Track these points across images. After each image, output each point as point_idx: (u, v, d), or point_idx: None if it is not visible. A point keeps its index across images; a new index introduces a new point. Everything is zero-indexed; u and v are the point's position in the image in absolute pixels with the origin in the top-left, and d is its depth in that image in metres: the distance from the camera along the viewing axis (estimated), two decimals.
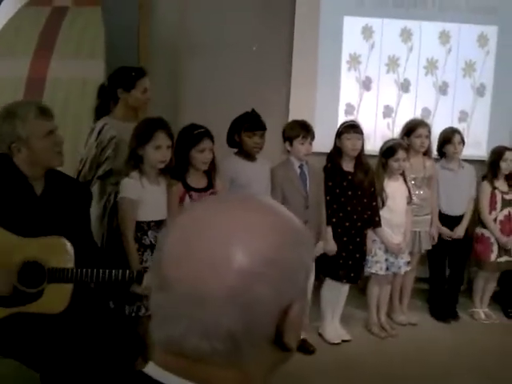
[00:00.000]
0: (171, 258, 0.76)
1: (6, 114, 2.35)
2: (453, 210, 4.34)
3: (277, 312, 0.75)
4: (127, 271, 2.40)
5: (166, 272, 0.76)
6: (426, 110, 4.97)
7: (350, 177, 3.83)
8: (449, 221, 4.32)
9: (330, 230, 3.78)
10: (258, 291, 0.73)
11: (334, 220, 3.80)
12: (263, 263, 0.74)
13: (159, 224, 2.97)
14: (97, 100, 3.37)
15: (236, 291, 0.72)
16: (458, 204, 4.35)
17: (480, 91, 5.02)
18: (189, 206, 3.06)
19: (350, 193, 3.82)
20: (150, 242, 2.93)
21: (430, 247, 4.28)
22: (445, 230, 4.28)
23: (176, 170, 3.08)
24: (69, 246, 2.37)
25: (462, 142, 4.29)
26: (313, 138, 3.69)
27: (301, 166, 3.72)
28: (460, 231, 4.33)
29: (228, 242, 0.74)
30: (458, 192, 4.33)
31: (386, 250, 3.98)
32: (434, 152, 4.33)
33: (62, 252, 2.36)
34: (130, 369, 2.33)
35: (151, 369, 0.78)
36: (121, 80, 3.31)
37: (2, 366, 2.51)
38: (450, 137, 4.27)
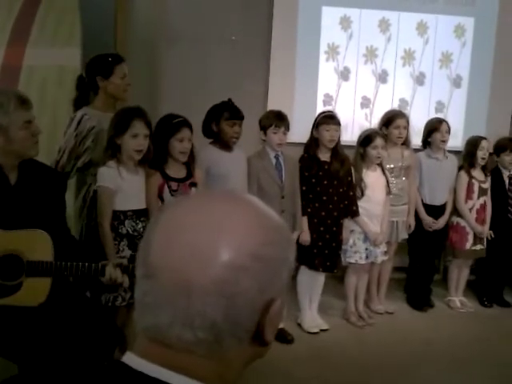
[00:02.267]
0: (158, 247, 0.77)
1: None
2: (435, 200, 4.38)
3: (259, 306, 0.77)
4: (93, 264, 2.38)
5: (152, 260, 0.76)
6: (403, 101, 5.02)
7: (326, 166, 3.85)
8: (431, 210, 4.36)
9: (305, 219, 3.80)
10: (242, 284, 0.74)
11: (309, 210, 3.82)
12: (249, 258, 0.75)
13: (137, 213, 2.95)
14: (75, 92, 3.31)
15: (221, 283, 0.73)
16: (441, 194, 4.40)
17: (456, 82, 5.07)
18: (177, 198, 3.04)
19: (326, 182, 3.83)
20: (127, 231, 2.91)
21: (406, 236, 4.32)
22: (429, 221, 4.32)
23: (155, 160, 3.05)
24: (48, 239, 2.34)
25: (449, 131, 4.33)
26: (287, 127, 3.69)
27: (276, 156, 3.73)
28: (442, 222, 4.38)
29: (216, 235, 0.75)
30: (442, 182, 4.38)
31: (365, 240, 4.01)
32: (414, 142, 4.36)
33: (41, 245, 2.34)
34: (107, 359, 2.33)
35: (129, 358, 0.78)
36: (98, 67, 3.26)
37: None
38: (437, 126, 4.31)
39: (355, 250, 3.99)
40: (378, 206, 4.04)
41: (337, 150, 3.87)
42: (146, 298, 0.77)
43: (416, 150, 4.40)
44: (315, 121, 3.88)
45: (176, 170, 3.18)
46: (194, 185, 3.21)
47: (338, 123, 3.86)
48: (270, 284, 0.77)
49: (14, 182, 2.41)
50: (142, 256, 0.79)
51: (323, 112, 4.01)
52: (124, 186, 2.90)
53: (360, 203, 3.97)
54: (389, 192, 4.08)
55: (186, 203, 0.82)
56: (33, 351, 2.19)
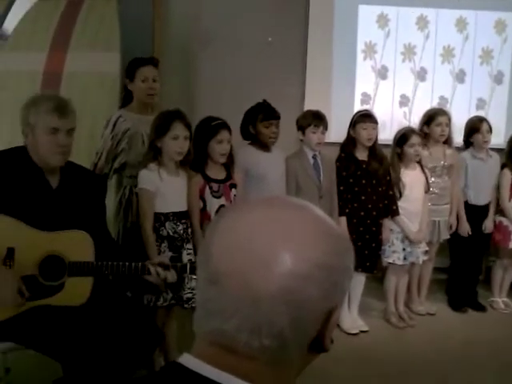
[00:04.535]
0: (222, 252, 0.77)
1: (31, 100, 2.40)
2: (480, 200, 4.29)
3: (322, 314, 0.78)
4: (133, 264, 2.41)
5: (217, 266, 0.77)
6: (442, 99, 4.94)
7: (364, 166, 3.81)
8: (476, 210, 4.27)
9: (344, 220, 3.77)
10: (308, 293, 0.75)
11: (347, 210, 3.79)
12: (315, 266, 0.75)
13: (177, 215, 2.99)
14: (123, 95, 3.39)
15: (288, 291, 0.74)
16: (485, 193, 4.31)
17: (498, 79, 4.97)
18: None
19: (364, 182, 3.80)
20: (168, 233, 2.95)
21: (448, 236, 4.25)
22: (466, 228, 4.21)
23: (195, 162, 3.09)
24: (90, 239, 2.39)
25: (490, 130, 4.23)
26: (325, 127, 3.68)
27: (314, 156, 3.71)
28: (489, 225, 4.30)
29: (281, 242, 0.75)
30: (486, 181, 4.29)
31: (403, 240, 3.95)
32: (456, 140, 4.28)
33: (82, 246, 2.38)
34: (147, 359, 2.35)
35: (187, 359, 0.79)
36: (126, 71, 3.35)
37: (25, 357, 2.55)
38: (477, 126, 4.21)
39: (393, 250, 3.94)
40: (417, 204, 3.97)
41: (374, 148, 3.84)
42: (211, 303, 0.77)
43: (457, 149, 4.31)
44: (352, 120, 3.86)
45: (216, 172, 3.20)
46: (233, 186, 3.23)
47: (376, 121, 3.82)
48: (332, 293, 0.78)
49: (55, 186, 2.46)
50: (204, 260, 0.79)
51: (360, 111, 3.98)
52: (164, 188, 2.94)
53: (399, 202, 3.92)
54: (428, 190, 4.02)
55: (247, 209, 0.82)
56: (75, 350, 2.23)
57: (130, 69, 3.33)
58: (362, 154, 3.84)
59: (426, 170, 4.02)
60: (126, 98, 3.40)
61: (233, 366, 0.76)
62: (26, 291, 2.28)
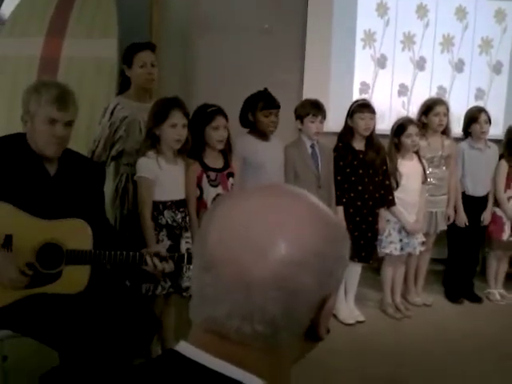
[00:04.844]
0: (218, 240, 0.77)
1: (32, 87, 2.38)
2: (477, 191, 4.29)
3: (316, 302, 0.78)
4: (131, 253, 2.39)
5: (212, 254, 0.77)
6: (441, 88, 4.92)
7: (361, 156, 3.81)
8: (474, 201, 4.27)
9: (341, 209, 3.76)
10: (302, 280, 0.75)
11: (344, 200, 3.78)
12: (310, 254, 0.75)
13: (176, 204, 2.98)
14: (119, 82, 3.36)
15: (282, 278, 0.74)
16: (483, 184, 4.30)
17: (497, 69, 4.95)
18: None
19: (361, 172, 3.80)
20: (166, 221, 2.94)
21: (445, 228, 4.25)
22: (463, 219, 4.22)
23: (193, 150, 3.07)
24: (88, 228, 2.37)
25: (489, 121, 4.22)
26: (324, 116, 3.67)
27: (312, 146, 3.70)
28: (488, 217, 4.30)
29: (277, 230, 0.75)
30: (484, 172, 4.29)
31: (400, 230, 3.95)
32: (454, 131, 4.27)
33: (80, 234, 2.37)
34: (145, 347, 2.34)
35: (183, 347, 0.79)
36: (123, 57, 3.31)
37: (22, 345, 2.54)
38: (476, 116, 4.20)
39: (390, 241, 3.94)
40: (414, 195, 3.97)
41: (372, 138, 3.83)
42: (205, 289, 0.77)
43: (456, 139, 4.31)
44: (349, 109, 3.85)
45: (214, 160, 3.19)
46: (231, 175, 3.22)
47: (373, 111, 3.81)
48: (327, 281, 0.78)
49: (53, 174, 2.44)
50: (200, 248, 0.79)
51: (357, 100, 3.97)
52: (163, 176, 2.93)
53: (395, 193, 3.91)
54: (425, 180, 4.01)
55: (244, 197, 0.82)
56: (72, 338, 2.22)
57: (128, 54, 3.29)
58: (359, 144, 3.83)
59: (424, 161, 4.01)
60: (124, 85, 3.37)
61: (227, 353, 0.76)
62: (28, 270, 2.27)
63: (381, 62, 4.88)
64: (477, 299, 4.35)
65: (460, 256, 4.34)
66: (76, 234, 2.37)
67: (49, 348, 2.30)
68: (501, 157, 4.33)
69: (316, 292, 0.77)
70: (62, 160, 2.46)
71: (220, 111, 3.16)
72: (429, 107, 4.11)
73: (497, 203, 4.33)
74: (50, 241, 2.33)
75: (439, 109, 4.08)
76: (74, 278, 2.36)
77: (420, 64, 4.91)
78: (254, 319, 0.74)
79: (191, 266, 2.66)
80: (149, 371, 0.81)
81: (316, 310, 0.78)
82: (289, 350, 0.80)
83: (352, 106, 3.87)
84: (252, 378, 0.75)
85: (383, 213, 3.92)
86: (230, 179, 3.22)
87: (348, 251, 0.83)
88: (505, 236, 4.31)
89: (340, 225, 0.83)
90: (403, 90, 4.92)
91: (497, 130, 4.71)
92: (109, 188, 3.10)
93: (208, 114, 3.13)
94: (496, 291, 4.43)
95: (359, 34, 4.84)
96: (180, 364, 0.77)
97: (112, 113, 3.21)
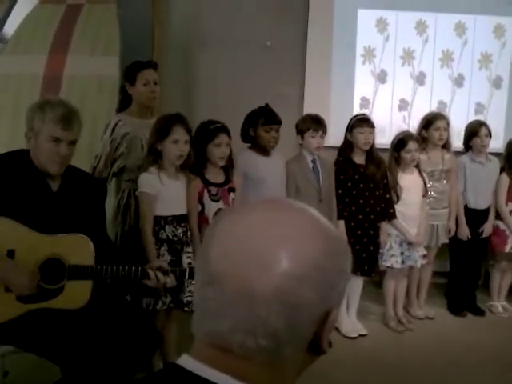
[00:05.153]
0: (220, 254, 0.77)
1: (37, 104, 2.40)
2: (479, 204, 4.30)
3: (318, 316, 0.78)
4: (133, 268, 2.41)
5: (215, 268, 0.77)
6: (441, 103, 4.95)
7: (361, 170, 3.83)
8: (475, 215, 4.28)
9: (342, 223, 3.78)
10: (304, 294, 0.75)
11: (346, 214, 3.80)
12: (311, 268, 0.76)
13: (177, 219, 2.99)
14: (118, 100, 3.39)
15: (284, 292, 0.74)
16: (484, 198, 4.31)
17: (496, 83, 4.98)
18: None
19: (361, 185, 3.81)
20: (167, 236, 2.95)
21: (446, 241, 4.25)
22: (465, 232, 4.22)
23: (194, 165, 3.09)
24: (90, 243, 2.39)
25: (489, 134, 4.24)
26: (324, 131, 3.70)
27: (313, 160, 3.73)
28: (488, 228, 4.30)
29: (279, 244, 0.76)
30: (485, 185, 4.29)
31: (401, 243, 3.96)
32: (454, 145, 4.28)
33: (82, 249, 2.38)
34: (147, 362, 2.33)
35: (185, 361, 0.80)
36: (126, 75, 3.34)
37: (24, 360, 2.55)
38: (476, 130, 4.21)
39: (391, 254, 3.95)
40: (415, 208, 3.98)
41: (372, 152, 3.85)
42: (208, 303, 0.78)
43: (456, 153, 4.33)
44: (349, 124, 3.88)
45: (215, 175, 3.21)
46: (232, 190, 3.24)
47: (372, 126, 3.84)
48: (329, 294, 0.79)
49: (55, 190, 2.46)
50: (202, 263, 0.80)
51: (357, 115, 4.00)
52: (164, 191, 2.94)
53: (396, 206, 3.93)
54: (425, 194, 4.03)
55: (246, 212, 0.83)
56: (74, 353, 2.23)
57: (131, 72, 3.32)
58: (359, 158, 3.85)
59: (424, 174, 4.03)
60: (124, 102, 3.39)
61: (230, 366, 0.76)
62: (38, 274, 2.29)
63: (381, 77, 4.93)
64: (479, 312, 4.34)
65: (462, 269, 4.34)
66: (78, 249, 2.38)
67: (50, 363, 2.30)
68: (502, 170, 4.35)
69: (318, 306, 0.77)
70: (65, 176, 2.49)
71: (223, 128, 3.18)
72: (429, 121, 4.13)
73: (499, 216, 4.34)
74: (53, 256, 2.35)
75: (439, 123, 4.10)
76: (76, 293, 2.37)
77: (420, 79, 4.95)
78: (257, 333, 0.75)
79: (193, 281, 2.68)
80: None
81: (318, 324, 0.78)
82: (291, 364, 0.80)
83: (351, 120, 3.89)
84: None
85: (384, 226, 3.93)
86: (232, 194, 3.24)
87: (350, 265, 0.83)
88: (507, 248, 4.31)
89: (341, 238, 0.83)
90: (403, 105, 4.95)
91: (497, 144, 4.73)
92: (110, 204, 3.12)
93: (210, 131, 3.16)
94: (499, 304, 4.43)
95: (359, 50, 4.89)
96: (182, 378, 0.78)
97: (113, 129, 3.24)
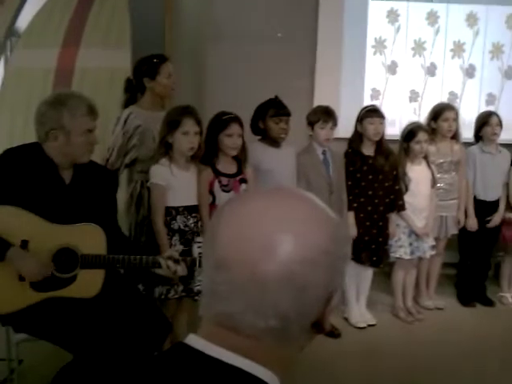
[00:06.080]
0: (229, 239, 0.80)
1: (56, 101, 2.41)
2: (488, 196, 4.29)
3: (323, 298, 0.83)
4: (144, 257, 2.45)
5: (224, 253, 0.80)
6: (452, 94, 4.93)
7: (370, 161, 3.83)
8: (484, 206, 4.27)
9: (351, 214, 3.79)
10: (312, 277, 0.79)
11: (355, 205, 3.81)
12: (319, 252, 0.80)
13: (188, 209, 3.03)
14: (125, 94, 3.41)
15: (294, 276, 0.78)
16: (494, 189, 4.30)
17: (508, 74, 4.96)
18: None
19: (371, 177, 3.82)
20: (179, 226, 2.99)
21: (456, 232, 4.26)
22: (473, 223, 4.22)
23: (206, 156, 3.12)
24: (102, 233, 2.44)
25: (500, 124, 4.22)
26: (335, 123, 3.70)
27: (324, 152, 3.73)
28: (497, 219, 4.29)
29: (287, 229, 0.79)
30: (495, 177, 4.28)
31: (410, 234, 3.97)
32: (464, 136, 4.27)
33: (95, 239, 2.43)
34: (157, 350, 2.37)
35: (193, 340, 0.83)
36: (145, 69, 3.35)
37: (38, 348, 2.61)
38: (487, 119, 4.20)
39: (400, 245, 3.97)
40: (423, 199, 3.99)
41: (381, 144, 3.85)
42: (217, 287, 0.80)
43: (467, 144, 4.32)
44: (359, 115, 3.87)
45: (226, 166, 3.23)
46: (244, 181, 3.25)
47: (382, 116, 3.84)
48: (333, 277, 0.83)
49: (68, 182, 2.51)
50: (210, 248, 0.82)
51: (366, 106, 4.00)
52: (175, 182, 2.98)
53: (405, 197, 3.94)
54: (434, 185, 4.03)
55: (251, 198, 0.86)
56: (87, 341, 2.28)
57: (152, 66, 3.31)
58: (368, 150, 3.86)
59: (433, 166, 4.03)
60: (132, 97, 3.41)
61: (237, 345, 0.79)
62: (51, 262, 2.35)
63: (391, 69, 4.92)
64: (489, 303, 4.35)
65: (472, 260, 4.34)
66: (90, 238, 2.43)
67: (64, 351, 2.35)
68: None
69: (324, 288, 0.81)
70: (77, 168, 2.53)
71: (235, 119, 3.20)
72: (438, 113, 4.12)
73: (511, 209, 4.33)
74: (65, 245, 2.40)
75: (448, 114, 4.09)
76: (89, 282, 2.42)
77: (431, 70, 4.93)
78: (267, 314, 0.78)
79: None
80: (158, 364, 0.84)
81: (323, 305, 0.83)
82: (296, 342, 0.84)
83: (361, 111, 3.90)
84: (261, 369, 0.80)
85: (393, 217, 3.94)
86: (243, 185, 3.24)
87: (350, 249, 0.89)
88: None
89: (342, 224, 0.87)
90: (414, 96, 4.94)
91: (508, 135, 4.70)
92: (122, 195, 3.16)
93: (223, 121, 3.18)
94: (509, 295, 4.43)
95: (370, 41, 4.88)
96: (188, 355, 0.81)
97: (125, 122, 3.27)
